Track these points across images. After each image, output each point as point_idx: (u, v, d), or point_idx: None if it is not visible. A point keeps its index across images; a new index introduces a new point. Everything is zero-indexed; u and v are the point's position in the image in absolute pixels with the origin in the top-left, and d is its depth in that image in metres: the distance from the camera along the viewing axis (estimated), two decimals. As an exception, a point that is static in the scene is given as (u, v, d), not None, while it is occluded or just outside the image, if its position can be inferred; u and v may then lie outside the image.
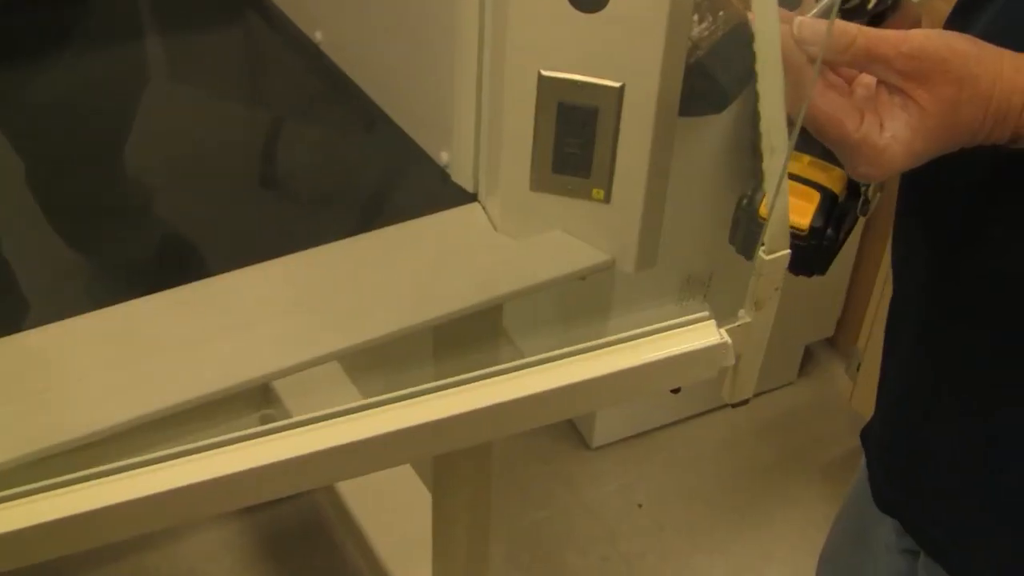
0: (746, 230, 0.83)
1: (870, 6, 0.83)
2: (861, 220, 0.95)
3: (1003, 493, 0.90)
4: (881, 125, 0.73)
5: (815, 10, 0.76)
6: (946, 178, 0.85)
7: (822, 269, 0.90)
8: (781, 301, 0.81)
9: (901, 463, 1.01)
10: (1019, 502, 0.90)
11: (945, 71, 0.71)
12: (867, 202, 0.88)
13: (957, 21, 0.88)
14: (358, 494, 1.84)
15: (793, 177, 0.80)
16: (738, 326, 0.78)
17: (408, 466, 1.87)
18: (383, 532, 1.78)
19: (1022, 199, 0.83)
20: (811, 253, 0.85)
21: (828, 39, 0.72)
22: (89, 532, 0.69)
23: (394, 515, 1.81)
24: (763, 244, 0.72)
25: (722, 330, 0.78)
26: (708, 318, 0.73)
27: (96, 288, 1.00)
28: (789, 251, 0.72)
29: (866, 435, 1.08)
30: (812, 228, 0.83)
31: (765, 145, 0.70)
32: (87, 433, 0.79)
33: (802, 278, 0.89)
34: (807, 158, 0.83)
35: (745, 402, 0.82)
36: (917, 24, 0.89)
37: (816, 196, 0.81)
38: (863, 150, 0.73)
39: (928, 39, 0.72)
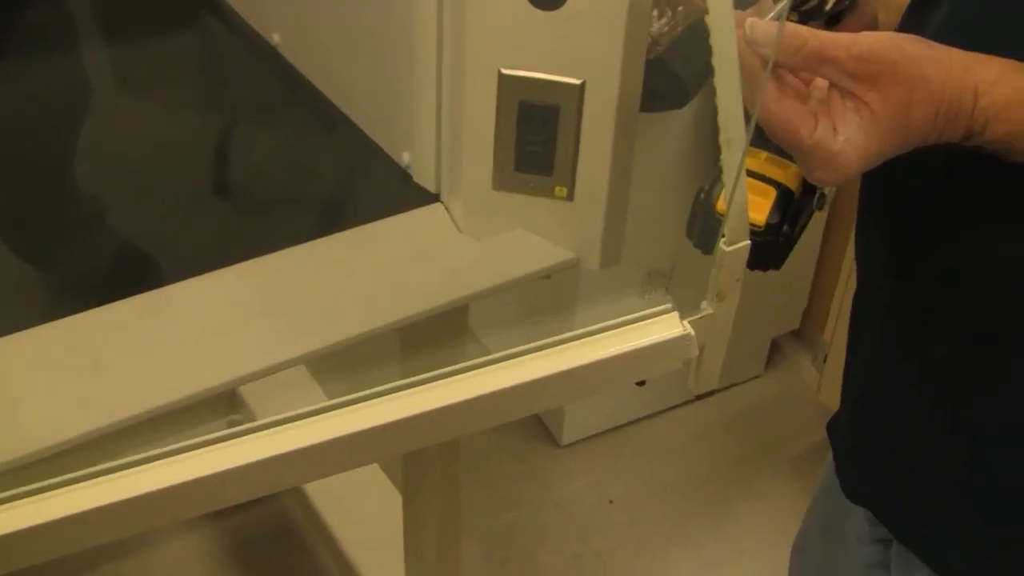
0: (703, 224, 0.83)
1: (828, 7, 0.83)
2: (819, 214, 0.96)
3: (972, 479, 0.91)
4: (835, 129, 0.73)
5: (772, 12, 0.76)
6: (900, 178, 0.85)
7: (778, 264, 0.90)
8: (747, 295, 0.81)
9: (868, 454, 1.01)
10: (988, 487, 0.90)
11: (895, 73, 0.72)
12: (823, 196, 0.88)
13: (913, 18, 0.88)
14: (328, 497, 1.83)
15: (750, 174, 0.81)
16: (701, 317, 0.78)
17: (378, 468, 1.86)
18: (354, 534, 1.78)
19: (974, 198, 0.84)
20: (767, 249, 0.86)
21: (779, 41, 0.72)
22: (54, 541, 0.68)
23: (365, 517, 1.80)
24: (723, 236, 0.72)
25: (685, 322, 0.78)
26: (671, 310, 0.73)
27: (54, 299, 0.99)
28: (749, 242, 0.73)
29: (833, 427, 1.08)
30: (768, 224, 0.83)
31: (723, 139, 0.71)
32: (50, 445, 0.79)
33: (766, 272, 0.90)
34: (764, 154, 0.83)
35: (711, 393, 0.82)
36: (874, 23, 0.89)
37: (772, 193, 0.82)
38: (818, 154, 0.73)
39: (878, 42, 0.73)
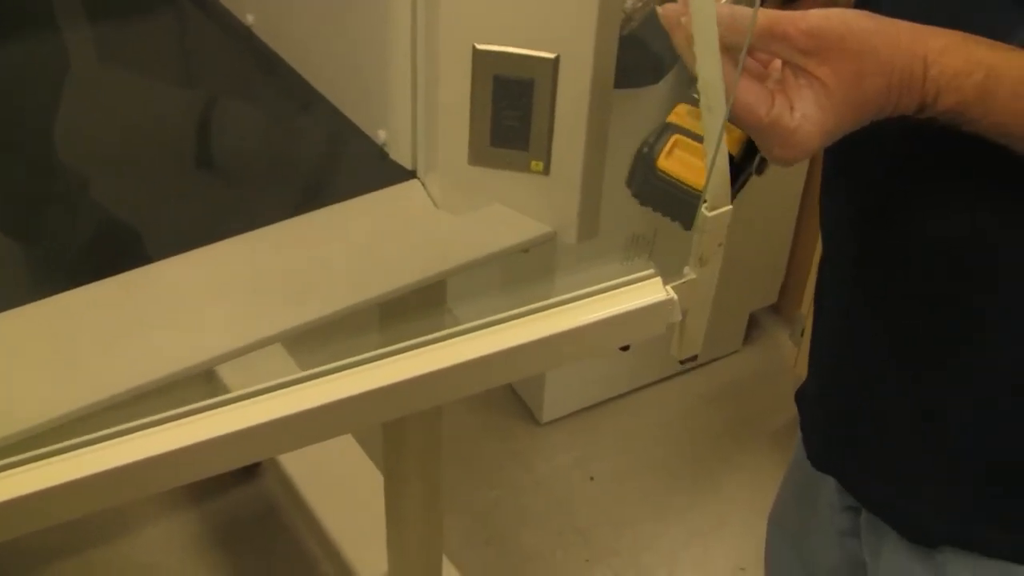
0: (642, 178, 0.83)
1: None
2: (794, 189, 0.96)
3: (935, 444, 0.92)
4: (791, 107, 0.74)
5: None
6: (857, 151, 0.86)
7: None
8: (725, 270, 0.82)
9: (834, 422, 1.03)
10: (951, 451, 0.91)
11: (843, 48, 0.73)
12: (763, 162, 0.89)
13: None
14: (310, 478, 1.83)
15: (694, 136, 0.81)
16: (684, 283, 0.78)
17: (359, 448, 1.87)
18: (336, 515, 1.78)
19: (927, 170, 0.84)
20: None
21: (752, 25, 0.73)
22: (27, 515, 0.68)
23: (347, 498, 1.81)
24: (705, 201, 0.73)
25: (668, 287, 0.79)
26: (654, 275, 0.74)
27: (30, 280, 0.98)
28: (730, 207, 0.73)
29: (800, 397, 1.09)
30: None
31: (703, 104, 0.71)
32: (27, 427, 0.79)
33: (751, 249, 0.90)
34: None
35: (694, 358, 0.83)
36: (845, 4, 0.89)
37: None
38: (776, 132, 0.74)
39: (825, 17, 0.73)
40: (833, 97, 0.73)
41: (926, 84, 0.73)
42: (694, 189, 0.80)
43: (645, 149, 0.83)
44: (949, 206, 0.84)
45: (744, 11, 0.73)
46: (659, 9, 0.80)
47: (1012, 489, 0.91)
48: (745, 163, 0.88)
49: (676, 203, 0.81)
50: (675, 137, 0.81)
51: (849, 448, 1.01)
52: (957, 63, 0.73)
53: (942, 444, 0.92)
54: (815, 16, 0.73)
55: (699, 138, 0.80)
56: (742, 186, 0.91)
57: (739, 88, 0.74)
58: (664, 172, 0.80)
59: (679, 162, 0.81)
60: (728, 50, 0.74)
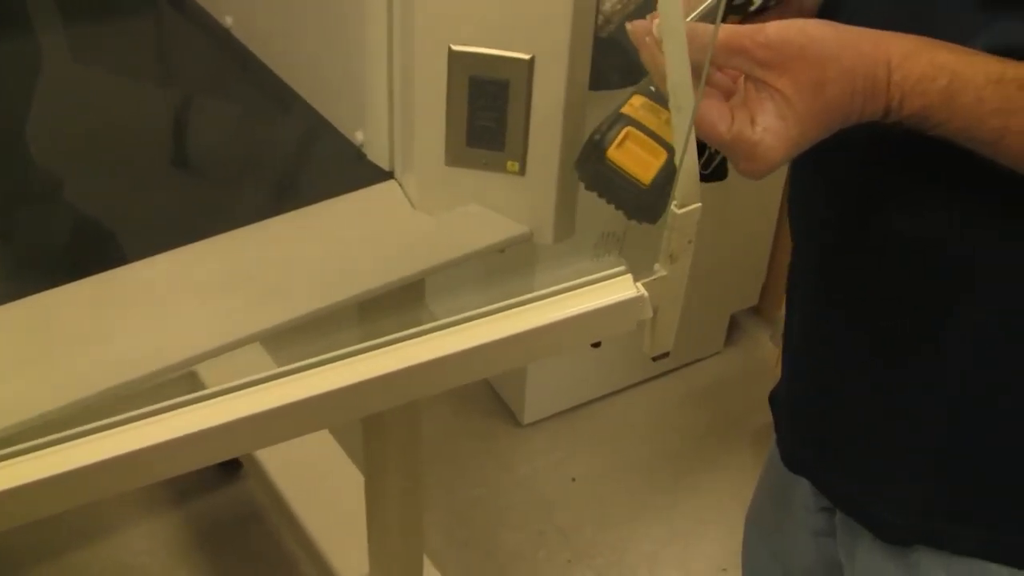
0: (591, 165, 0.84)
1: (753, 7, 0.84)
2: (773, 192, 0.97)
3: (901, 442, 0.93)
4: (752, 120, 0.74)
5: (697, 11, 0.78)
6: (821, 154, 0.87)
7: (653, 219, 0.91)
8: (706, 272, 0.82)
9: (805, 422, 1.03)
10: (917, 449, 0.92)
11: (803, 57, 0.73)
12: (722, 166, 0.89)
13: None
14: (291, 479, 1.84)
15: (648, 132, 0.81)
16: (654, 279, 0.79)
17: (340, 449, 1.87)
18: (317, 516, 1.78)
19: (889, 173, 0.85)
20: (646, 206, 0.86)
21: (713, 40, 0.73)
22: (7, 511, 0.68)
23: (328, 498, 1.81)
24: (675, 199, 0.73)
25: (639, 284, 0.79)
26: (625, 272, 0.74)
27: (5, 280, 0.98)
28: (700, 204, 0.74)
29: (774, 398, 1.10)
30: (652, 184, 0.84)
31: (672, 104, 0.72)
32: (6, 425, 0.79)
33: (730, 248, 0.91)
34: (667, 115, 0.84)
35: (666, 355, 0.83)
36: (812, 14, 0.90)
37: (664, 155, 0.82)
38: (739, 147, 0.74)
39: (783, 28, 0.73)
40: (795, 107, 0.73)
41: (890, 89, 0.74)
42: (640, 182, 0.81)
43: (597, 137, 0.83)
44: (924, 205, 0.84)
45: (704, 27, 0.74)
46: (628, 25, 0.81)
47: (973, 485, 0.92)
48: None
49: (621, 192, 0.82)
50: (627, 129, 0.82)
51: (819, 448, 1.02)
52: (920, 68, 0.73)
53: (905, 442, 0.93)
54: (773, 28, 0.73)
55: (650, 133, 0.81)
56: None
57: (700, 106, 0.75)
58: (612, 162, 0.81)
59: (628, 154, 0.82)
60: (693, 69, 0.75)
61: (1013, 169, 0.75)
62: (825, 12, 0.89)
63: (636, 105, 0.82)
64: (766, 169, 0.75)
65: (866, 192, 0.88)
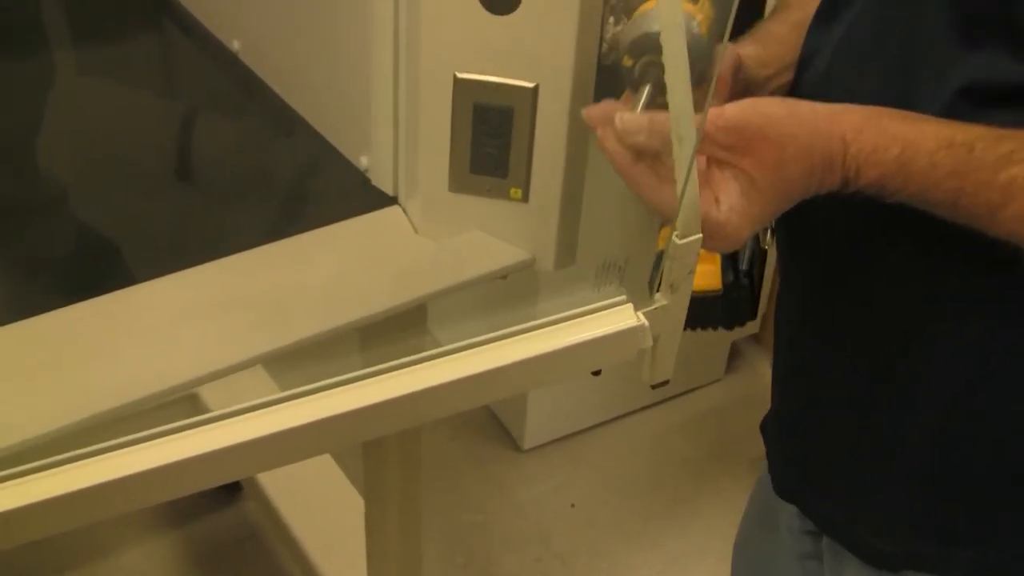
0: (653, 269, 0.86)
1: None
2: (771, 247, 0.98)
3: (892, 470, 0.93)
4: (716, 200, 0.76)
5: (641, 101, 0.79)
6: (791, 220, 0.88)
7: (752, 314, 0.92)
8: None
9: (793, 450, 1.04)
10: (908, 479, 0.93)
11: (764, 137, 0.75)
12: (765, 231, 0.90)
13: (820, 28, 0.91)
14: (290, 501, 1.84)
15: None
16: (655, 309, 0.80)
17: (340, 472, 1.87)
18: (316, 538, 1.78)
19: (866, 229, 0.86)
20: (736, 305, 0.88)
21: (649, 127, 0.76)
22: (6, 532, 0.69)
23: (327, 521, 1.81)
24: (676, 230, 0.74)
25: (639, 313, 0.80)
26: (625, 302, 0.75)
27: (5, 302, 0.99)
28: (700, 236, 0.75)
29: (764, 427, 1.11)
30: (725, 286, 0.86)
31: (674, 135, 0.73)
32: (6, 446, 0.79)
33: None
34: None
35: (665, 383, 0.84)
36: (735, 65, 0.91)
37: (716, 256, 0.84)
38: (706, 228, 0.76)
39: (741, 110, 0.76)
40: (758, 185, 0.76)
41: (846, 162, 0.76)
42: (714, 291, 0.82)
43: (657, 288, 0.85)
44: (894, 250, 0.86)
45: (661, 116, 0.75)
46: (583, 112, 0.83)
47: (958, 506, 0.92)
48: (749, 243, 0.89)
49: (711, 311, 0.84)
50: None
51: (806, 475, 1.03)
52: (874, 139, 0.75)
53: (890, 466, 0.93)
54: (730, 111, 0.75)
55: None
56: (761, 264, 0.91)
57: (658, 195, 0.77)
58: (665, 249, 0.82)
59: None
60: (648, 155, 0.77)
61: (971, 227, 0.76)
62: (809, 57, 0.90)
63: (667, 235, 0.83)
64: (732, 246, 0.78)
65: (836, 244, 0.89)
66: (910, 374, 0.89)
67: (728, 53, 0.87)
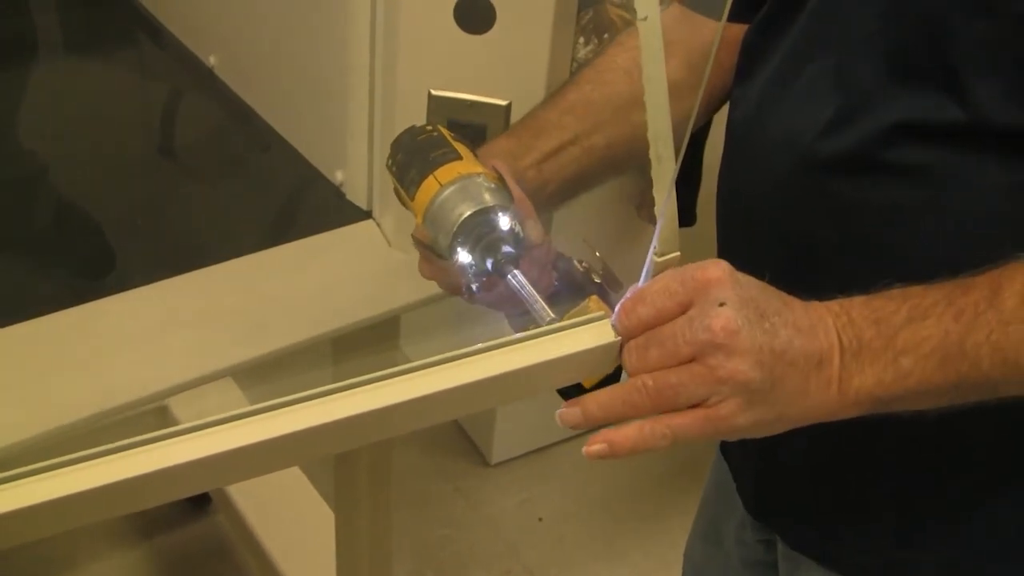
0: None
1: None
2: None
3: (858, 482, 0.95)
4: None
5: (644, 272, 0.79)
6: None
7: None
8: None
9: (762, 469, 1.05)
10: (861, 485, 0.94)
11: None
12: None
13: (757, 41, 0.91)
14: (261, 515, 1.84)
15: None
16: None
17: (310, 486, 1.87)
18: (287, 552, 1.78)
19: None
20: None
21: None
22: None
23: (297, 535, 1.81)
24: (655, 247, 0.74)
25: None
26: (603, 318, 0.76)
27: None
28: (679, 254, 0.75)
29: (726, 448, 1.12)
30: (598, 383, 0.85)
31: (653, 154, 0.73)
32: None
33: None
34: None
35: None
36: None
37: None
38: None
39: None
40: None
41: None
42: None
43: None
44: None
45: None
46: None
47: (927, 509, 0.93)
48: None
49: None
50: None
51: (774, 492, 1.04)
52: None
53: (857, 478, 0.95)
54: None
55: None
56: None
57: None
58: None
59: None
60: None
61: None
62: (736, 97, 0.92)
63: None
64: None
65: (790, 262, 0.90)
66: None
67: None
